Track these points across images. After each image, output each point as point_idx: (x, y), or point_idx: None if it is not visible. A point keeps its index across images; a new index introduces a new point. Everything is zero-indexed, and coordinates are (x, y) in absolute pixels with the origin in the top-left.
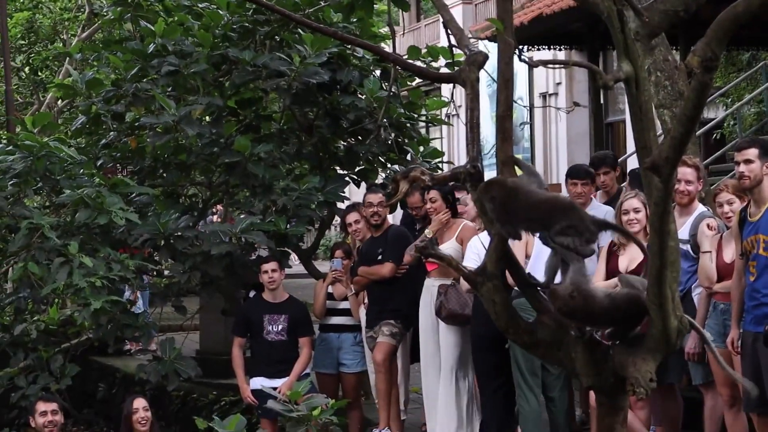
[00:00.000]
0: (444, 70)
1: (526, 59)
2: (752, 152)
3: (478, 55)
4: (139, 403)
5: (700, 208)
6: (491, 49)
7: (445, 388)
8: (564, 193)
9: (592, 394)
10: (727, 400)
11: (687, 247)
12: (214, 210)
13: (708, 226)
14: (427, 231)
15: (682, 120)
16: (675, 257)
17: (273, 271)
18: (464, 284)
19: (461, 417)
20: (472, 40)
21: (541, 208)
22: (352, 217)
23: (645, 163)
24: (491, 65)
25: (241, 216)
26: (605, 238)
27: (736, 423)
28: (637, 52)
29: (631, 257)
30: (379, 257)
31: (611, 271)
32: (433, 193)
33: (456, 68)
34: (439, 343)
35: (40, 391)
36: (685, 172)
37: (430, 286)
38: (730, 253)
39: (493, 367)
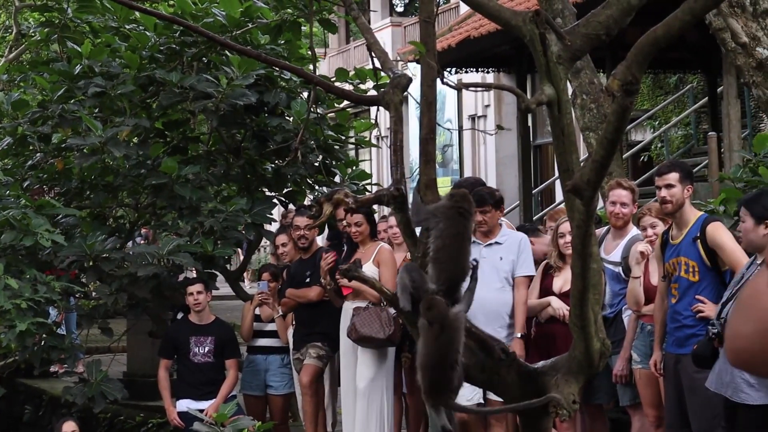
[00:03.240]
0: (372, 92)
1: (449, 82)
2: (673, 176)
3: (401, 78)
4: (69, 426)
5: (633, 230)
6: (418, 72)
7: (360, 410)
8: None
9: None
10: (653, 422)
11: (619, 270)
12: (141, 232)
13: (641, 253)
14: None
15: (603, 143)
16: (597, 279)
17: (198, 293)
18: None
19: None
20: (400, 63)
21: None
22: (280, 239)
23: (567, 186)
24: (417, 88)
25: (166, 237)
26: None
27: None
28: (560, 76)
29: (565, 279)
30: (308, 280)
31: (544, 290)
32: (359, 217)
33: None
34: (356, 366)
35: None
36: (620, 194)
37: (348, 309)
38: (657, 275)
39: None
